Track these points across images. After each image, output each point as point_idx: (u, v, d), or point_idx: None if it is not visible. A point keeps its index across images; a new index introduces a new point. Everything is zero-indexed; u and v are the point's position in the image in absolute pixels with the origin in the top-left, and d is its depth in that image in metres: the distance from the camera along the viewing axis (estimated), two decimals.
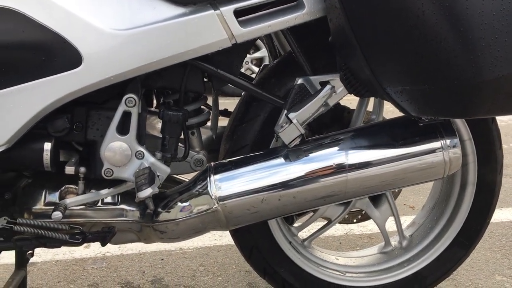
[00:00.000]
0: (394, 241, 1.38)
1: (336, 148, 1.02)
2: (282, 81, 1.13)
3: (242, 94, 1.42)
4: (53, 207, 1.02)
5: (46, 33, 0.90)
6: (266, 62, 5.66)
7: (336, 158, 1.01)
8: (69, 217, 1.02)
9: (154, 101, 1.28)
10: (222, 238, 1.79)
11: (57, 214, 0.95)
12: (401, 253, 1.35)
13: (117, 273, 1.53)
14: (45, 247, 1.03)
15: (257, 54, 5.85)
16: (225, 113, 1.34)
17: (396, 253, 1.36)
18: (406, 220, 1.38)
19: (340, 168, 1.01)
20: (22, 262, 1.31)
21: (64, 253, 1.64)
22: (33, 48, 0.90)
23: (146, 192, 0.94)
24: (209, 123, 1.25)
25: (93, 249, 1.68)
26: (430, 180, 1.10)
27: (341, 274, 1.29)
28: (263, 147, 1.13)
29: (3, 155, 0.92)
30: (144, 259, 1.62)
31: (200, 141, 1.19)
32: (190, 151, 1.13)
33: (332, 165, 1.00)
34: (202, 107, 1.19)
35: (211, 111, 1.24)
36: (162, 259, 1.62)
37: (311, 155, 1.02)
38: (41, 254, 1.61)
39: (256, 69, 5.65)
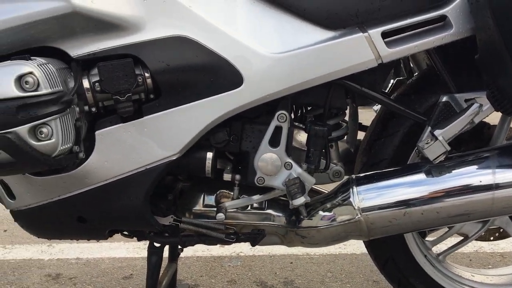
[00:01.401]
0: None
1: (482, 165, 1.02)
2: (423, 98, 1.15)
3: (375, 108, 1.44)
4: (210, 208, 1.16)
5: (214, 57, 1.02)
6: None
7: (482, 176, 1.01)
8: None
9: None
10: (347, 247, 1.82)
11: (221, 216, 1.07)
12: None
13: (251, 272, 1.64)
14: (204, 244, 1.17)
15: None
16: (359, 126, 1.39)
17: None
18: None
19: (487, 186, 1.01)
20: (174, 256, 1.48)
21: (203, 250, 1.80)
22: (203, 71, 1.02)
23: (300, 200, 1.02)
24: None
25: (228, 248, 1.82)
26: None
27: None
28: (401, 162, 1.16)
29: (174, 163, 1.06)
30: (275, 261, 1.72)
31: (338, 154, 1.24)
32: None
33: (478, 183, 1.00)
34: (340, 121, 1.25)
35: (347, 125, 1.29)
36: (291, 263, 1.71)
37: (455, 171, 1.03)
38: (183, 250, 1.78)
39: None
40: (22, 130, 0.85)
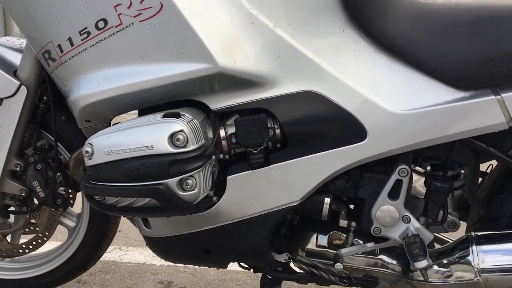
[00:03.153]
0: None
1: None
2: None
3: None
4: (323, 249, 1.20)
5: (341, 112, 1.05)
6: None
7: None
8: None
9: None
10: None
11: (339, 266, 1.10)
12: None
13: None
14: (316, 283, 1.21)
15: None
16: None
17: None
18: None
19: None
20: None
21: None
22: (330, 124, 1.06)
23: (423, 263, 1.03)
24: None
25: None
26: None
27: None
28: None
29: (293, 207, 1.12)
30: None
31: (454, 203, 1.23)
32: None
33: None
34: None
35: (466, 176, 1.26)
36: None
37: None
38: None
39: None
40: (172, 182, 0.94)
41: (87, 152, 0.98)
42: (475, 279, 1.05)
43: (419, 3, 1.09)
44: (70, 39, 1.05)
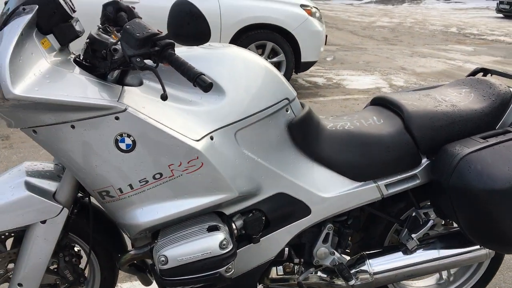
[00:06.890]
0: (445, 276, 2.26)
1: (434, 249, 1.89)
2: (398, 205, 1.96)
3: None
4: (281, 276, 1.88)
5: (297, 201, 1.71)
6: (284, 67, 6.06)
7: (432, 254, 1.88)
8: None
9: None
10: None
11: None
12: (448, 285, 2.23)
13: None
14: None
15: (275, 59, 6.14)
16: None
17: (445, 285, 2.24)
18: None
19: (434, 259, 1.88)
20: None
21: None
22: (292, 208, 1.71)
23: (352, 282, 1.80)
24: None
25: None
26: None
27: None
28: (381, 240, 1.98)
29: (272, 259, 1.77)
30: None
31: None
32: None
33: (433, 257, 1.88)
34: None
35: None
36: None
37: (418, 251, 1.89)
38: None
39: None
40: (222, 270, 1.49)
41: (162, 261, 1.46)
42: (370, 279, 1.87)
43: (328, 131, 1.80)
44: (130, 185, 1.47)
